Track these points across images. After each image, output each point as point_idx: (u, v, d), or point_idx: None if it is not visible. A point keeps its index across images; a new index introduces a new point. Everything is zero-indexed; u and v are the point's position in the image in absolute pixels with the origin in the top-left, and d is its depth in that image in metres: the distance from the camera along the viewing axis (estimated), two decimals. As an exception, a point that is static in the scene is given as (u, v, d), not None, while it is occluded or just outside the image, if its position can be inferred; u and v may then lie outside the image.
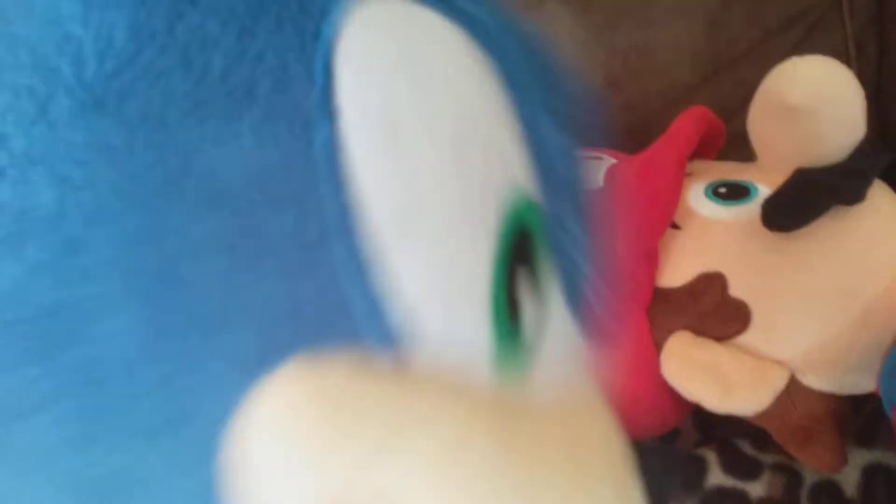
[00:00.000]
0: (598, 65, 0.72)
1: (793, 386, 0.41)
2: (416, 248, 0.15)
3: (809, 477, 0.44)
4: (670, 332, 0.42)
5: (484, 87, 0.17)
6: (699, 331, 0.42)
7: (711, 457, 0.46)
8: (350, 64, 0.15)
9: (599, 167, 0.49)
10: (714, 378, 0.40)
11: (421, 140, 0.15)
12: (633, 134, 0.56)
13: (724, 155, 0.53)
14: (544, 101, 0.18)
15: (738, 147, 0.48)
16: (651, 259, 0.42)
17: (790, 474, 0.45)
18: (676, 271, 0.42)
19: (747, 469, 0.45)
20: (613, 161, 0.51)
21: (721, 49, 0.67)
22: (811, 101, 0.39)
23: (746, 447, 0.46)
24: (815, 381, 0.41)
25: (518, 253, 0.16)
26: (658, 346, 0.43)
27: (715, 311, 0.41)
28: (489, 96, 0.17)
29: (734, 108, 0.51)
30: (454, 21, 0.17)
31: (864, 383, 0.40)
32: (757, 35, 0.66)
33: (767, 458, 0.46)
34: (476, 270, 0.15)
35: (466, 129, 0.16)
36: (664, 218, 0.41)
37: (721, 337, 0.42)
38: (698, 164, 0.46)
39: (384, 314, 0.15)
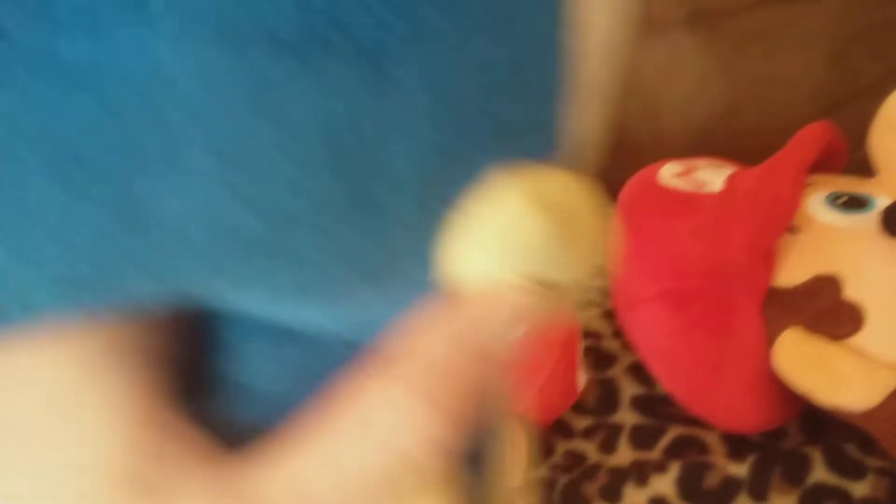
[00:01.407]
0: (721, 92, 0.76)
1: (903, 389, 0.43)
2: None
3: (915, 481, 0.45)
4: (783, 328, 0.45)
5: None
6: (812, 330, 0.44)
7: (816, 455, 0.48)
8: None
9: (720, 173, 0.53)
10: (825, 372, 0.43)
11: None
12: (753, 159, 0.59)
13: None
14: None
15: (859, 176, 0.51)
16: (768, 259, 0.45)
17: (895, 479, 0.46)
18: (793, 272, 0.45)
19: (851, 469, 0.47)
20: (732, 169, 0.54)
21: (844, 82, 0.69)
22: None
23: (852, 450, 0.48)
24: (926, 385, 0.42)
25: None
26: (769, 342, 0.45)
27: (829, 311, 0.44)
28: None
29: (855, 141, 0.53)
30: None
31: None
32: (880, 70, 0.68)
33: (873, 462, 0.47)
34: None
35: None
36: (783, 221, 0.44)
37: (833, 337, 0.44)
38: (818, 178, 0.49)
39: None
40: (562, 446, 0.53)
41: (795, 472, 0.47)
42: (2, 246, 0.11)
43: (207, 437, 0.14)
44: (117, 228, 0.11)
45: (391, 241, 0.12)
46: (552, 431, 0.54)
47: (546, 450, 0.53)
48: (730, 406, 0.48)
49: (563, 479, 0.50)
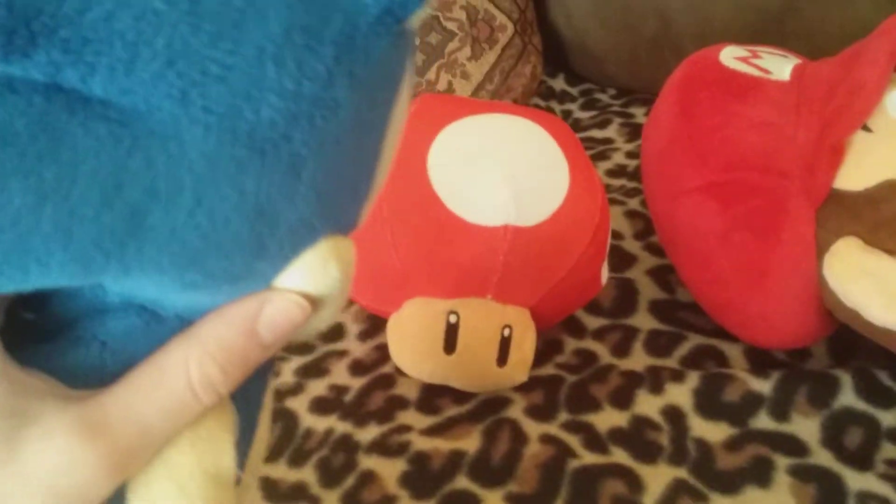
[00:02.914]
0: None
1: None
2: None
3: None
4: (838, 236, 0.40)
5: None
6: (870, 240, 0.40)
7: (845, 379, 0.44)
8: None
9: (787, 62, 0.47)
10: (880, 286, 0.38)
11: None
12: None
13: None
14: None
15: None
16: (835, 157, 0.40)
17: (928, 411, 0.43)
18: (859, 174, 0.40)
19: (881, 397, 0.43)
20: (799, 60, 0.48)
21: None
22: None
23: (884, 377, 0.44)
24: None
25: None
26: (821, 249, 0.41)
27: (893, 221, 0.39)
28: None
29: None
30: None
31: None
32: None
33: (906, 392, 0.44)
34: None
35: None
36: (863, 112, 0.39)
37: (894, 251, 0.40)
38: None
39: None
40: (571, 344, 0.50)
41: (822, 394, 0.44)
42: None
43: (55, 380, 0.18)
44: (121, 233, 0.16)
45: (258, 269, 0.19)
46: (561, 329, 0.51)
47: (554, 347, 0.49)
48: (764, 317, 0.44)
49: (570, 379, 0.46)
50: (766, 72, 0.45)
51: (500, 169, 0.41)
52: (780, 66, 0.46)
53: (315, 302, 0.20)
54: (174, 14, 0.15)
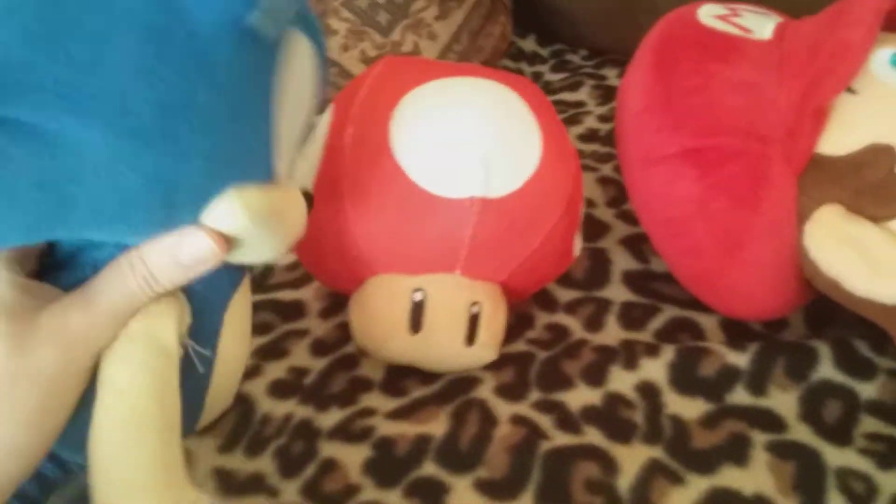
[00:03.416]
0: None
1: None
2: None
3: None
4: (820, 203, 0.39)
5: None
6: (853, 207, 0.38)
7: (824, 350, 0.43)
8: None
9: (768, 20, 0.45)
10: (862, 255, 0.37)
11: None
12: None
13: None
14: None
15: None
16: (818, 120, 0.38)
17: (907, 382, 0.42)
18: (843, 138, 0.38)
19: (861, 369, 0.42)
20: (781, 19, 0.46)
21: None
22: None
23: (863, 348, 0.43)
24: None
25: None
26: (802, 217, 0.39)
27: (876, 187, 0.37)
28: None
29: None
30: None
31: None
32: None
33: (884, 363, 0.43)
34: None
35: None
36: (848, 73, 0.37)
37: (876, 218, 0.38)
38: (887, 35, 0.41)
39: None
40: (543, 319, 0.48)
41: (800, 366, 0.42)
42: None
43: (53, 290, 0.27)
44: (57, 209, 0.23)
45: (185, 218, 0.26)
46: (532, 302, 0.49)
47: (525, 322, 0.47)
48: (741, 287, 0.42)
49: (541, 355, 0.45)
50: (747, 31, 0.42)
51: (467, 137, 0.38)
52: (761, 24, 0.43)
53: (229, 239, 0.26)
54: (61, 66, 0.21)
